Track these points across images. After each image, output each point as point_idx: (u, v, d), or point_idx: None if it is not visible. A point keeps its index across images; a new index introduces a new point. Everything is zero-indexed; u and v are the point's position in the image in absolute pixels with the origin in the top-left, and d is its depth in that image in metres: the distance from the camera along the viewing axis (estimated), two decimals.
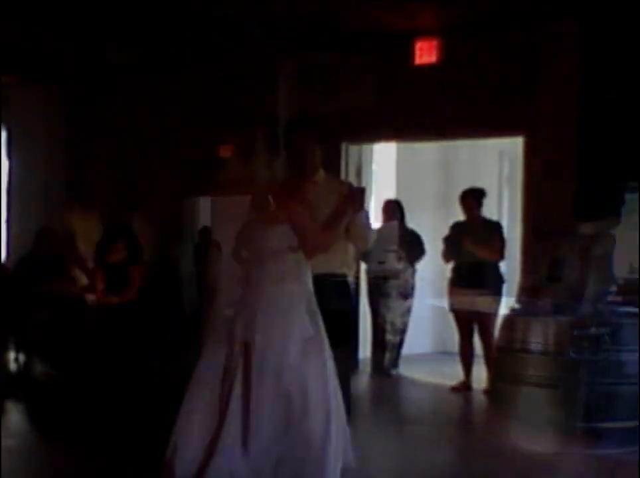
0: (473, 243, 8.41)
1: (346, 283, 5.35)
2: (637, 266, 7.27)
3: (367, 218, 5.34)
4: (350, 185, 5.25)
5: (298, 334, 4.69)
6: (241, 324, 4.75)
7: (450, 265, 8.81)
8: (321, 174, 5.37)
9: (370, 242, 5.54)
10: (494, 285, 8.47)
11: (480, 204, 8.63)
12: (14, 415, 7.11)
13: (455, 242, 8.58)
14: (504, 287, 8.63)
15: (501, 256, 8.48)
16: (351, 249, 5.45)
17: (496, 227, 8.65)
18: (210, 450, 4.62)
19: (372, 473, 5.79)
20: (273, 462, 4.63)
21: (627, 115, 7.35)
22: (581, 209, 7.78)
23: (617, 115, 7.45)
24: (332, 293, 5.14)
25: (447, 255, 8.73)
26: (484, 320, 8.40)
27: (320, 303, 4.85)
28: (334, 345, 4.91)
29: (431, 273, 10.48)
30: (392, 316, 9.35)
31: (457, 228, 8.70)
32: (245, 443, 4.62)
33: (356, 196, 5.09)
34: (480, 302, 8.41)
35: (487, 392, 8.29)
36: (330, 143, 9.15)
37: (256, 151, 4.88)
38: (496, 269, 8.54)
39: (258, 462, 4.64)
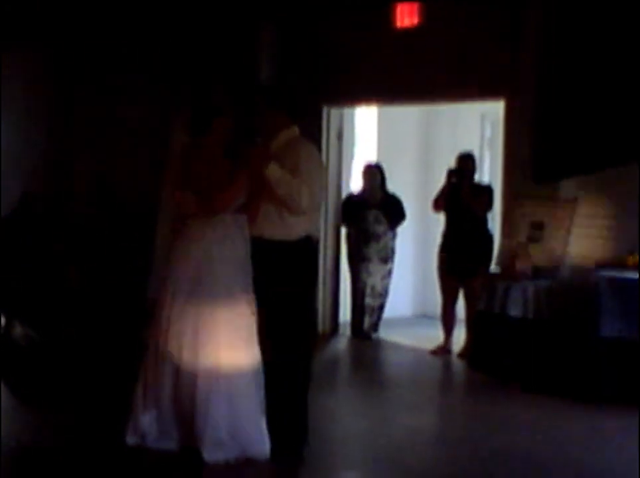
0: (467, 192, 8.42)
1: (287, 249, 5.18)
2: None
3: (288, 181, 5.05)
4: (257, 143, 5.09)
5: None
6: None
7: (437, 230, 8.80)
8: (280, 140, 5.24)
9: (292, 201, 5.06)
10: (484, 248, 8.46)
11: (474, 169, 8.64)
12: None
13: (448, 191, 8.55)
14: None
15: (489, 207, 8.50)
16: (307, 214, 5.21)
17: (486, 189, 8.66)
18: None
19: (351, 435, 5.84)
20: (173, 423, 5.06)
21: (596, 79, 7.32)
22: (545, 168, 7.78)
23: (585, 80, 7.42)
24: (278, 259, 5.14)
25: (439, 202, 8.64)
26: (472, 284, 8.38)
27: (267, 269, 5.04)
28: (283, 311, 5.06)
29: (412, 236, 10.52)
30: (373, 280, 9.38)
31: (452, 179, 8.63)
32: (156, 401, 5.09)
33: (254, 155, 5.02)
34: (471, 265, 8.38)
35: (462, 355, 8.36)
36: (311, 106, 9.18)
37: (178, 117, 5.10)
38: (487, 231, 8.55)
39: (164, 421, 5.08)
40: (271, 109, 5.24)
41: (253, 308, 5.06)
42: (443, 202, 8.60)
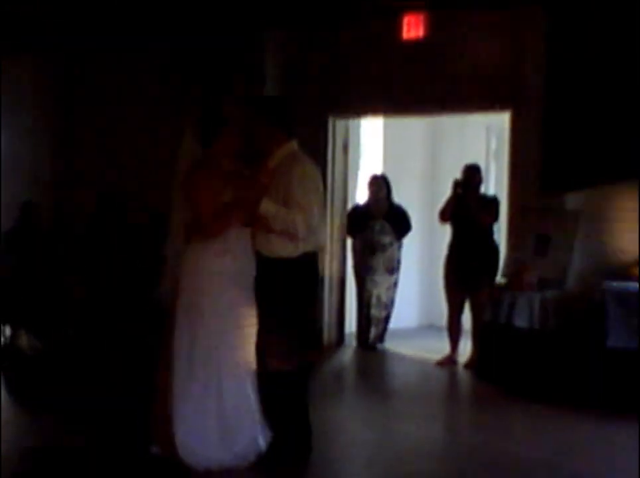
0: (475, 201, 8.40)
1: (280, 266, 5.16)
2: None
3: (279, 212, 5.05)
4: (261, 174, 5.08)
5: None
6: None
7: (443, 240, 8.80)
8: (277, 158, 5.20)
9: (289, 234, 5.08)
10: (490, 259, 8.44)
11: (480, 181, 8.63)
12: (1, 387, 7.12)
13: (455, 202, 8.53)
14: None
15: (495, 218, 8.47)
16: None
17: (493, 200, 8.64)
18: None
19: (357, 445, 5.84)
20: None
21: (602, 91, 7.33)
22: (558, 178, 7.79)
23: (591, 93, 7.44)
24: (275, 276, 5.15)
25: (445, 213, 8.60)
26: (478, 295, 8.36)
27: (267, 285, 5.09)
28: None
29: (418, 247, 10.53)
30: (378, 291, 9.38)
31: (457, 190, 8.61)
32: None
33: (254, 186, 5.01)
34: (477, 276, 8.37)
35: (468, 366, 8.35)
36: (318, 117, 9.21)
37: (184, 131, 5.15)
38: (493, 242, 8.53)
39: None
40: (265, 126, 5.22)
41: (254, 321, 5.09)
42: (449, 213, 8.60)
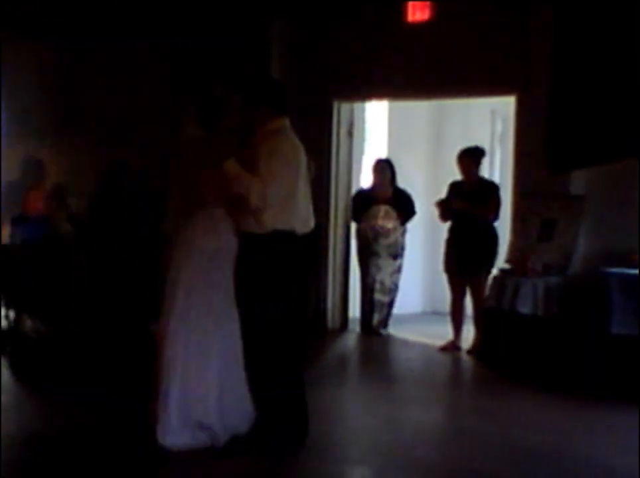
0: (466, 202, 8.37)
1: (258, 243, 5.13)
2: None
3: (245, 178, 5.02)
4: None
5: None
6: None
7: (446, 226, 8.78)
8: (263, 133, 5.16)
9: (244, 199, 5.00)
10: (490, 245, 8.43)
11: (478, 164, 8.59)
12: (4, 371, 7.14)
13: (450, 202, 8.54)
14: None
15: (495, 216, 8.43)
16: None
17: (492, 187, 8.60)
18: None
19: (360, 430, 5.84)
20: None
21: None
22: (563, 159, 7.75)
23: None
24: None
25: (442, 216, 8.69)
26: (478, 280, 8.36)
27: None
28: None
29: (422, 232, 10.50)
30: (382, 276, 9.35)
31: (453, 187, 8.63)
32: None
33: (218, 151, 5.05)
34: (475, 262, 8.36)
35: (471, 351, 8.34)
36: (322, 101, 9.18)
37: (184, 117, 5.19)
38: (492, 229, 8.50)
39: None
40: (250, 104, 5.22)
41: (232, 299, 5.11)
42: (445, 216, 8.65)
